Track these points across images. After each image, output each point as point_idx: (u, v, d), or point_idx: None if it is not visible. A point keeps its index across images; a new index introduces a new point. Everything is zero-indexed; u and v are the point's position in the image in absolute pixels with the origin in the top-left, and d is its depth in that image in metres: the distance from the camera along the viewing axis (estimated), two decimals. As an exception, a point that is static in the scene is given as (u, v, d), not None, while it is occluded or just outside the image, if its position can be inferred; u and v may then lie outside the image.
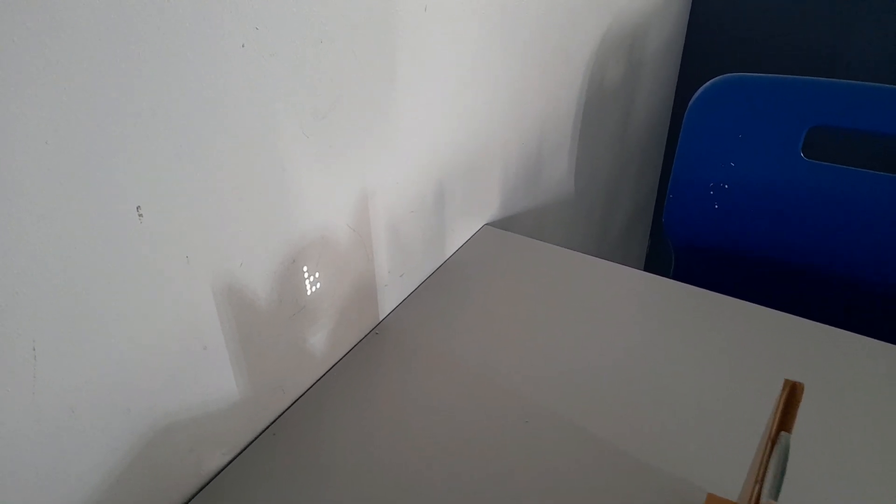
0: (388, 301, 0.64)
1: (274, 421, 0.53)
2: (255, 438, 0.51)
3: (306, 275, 0.52)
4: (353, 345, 0.60)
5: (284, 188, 0.47)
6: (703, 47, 1.46)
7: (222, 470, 0.48)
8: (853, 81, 0.73)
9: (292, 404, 0.54)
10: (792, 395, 0.33)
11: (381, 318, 0.63)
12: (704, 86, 0.80)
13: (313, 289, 0.53)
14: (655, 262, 1.72)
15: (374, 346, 0.60)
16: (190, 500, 0.46)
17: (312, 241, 0.51)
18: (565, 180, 1.02)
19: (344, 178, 0.53)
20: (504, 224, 0.83)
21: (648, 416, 0.53)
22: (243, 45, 0.40)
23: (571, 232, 1.12)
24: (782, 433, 0.32)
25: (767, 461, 0.31)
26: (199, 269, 0.42)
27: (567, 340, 0.61)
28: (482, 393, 0.55)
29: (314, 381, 0.56)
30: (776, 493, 0.29)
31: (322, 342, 0.56)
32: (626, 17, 1.08)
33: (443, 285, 0.68)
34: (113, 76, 0.33)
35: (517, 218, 0.87)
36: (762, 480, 0.31)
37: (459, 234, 0.73)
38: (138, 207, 0.37)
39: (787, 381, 0.33)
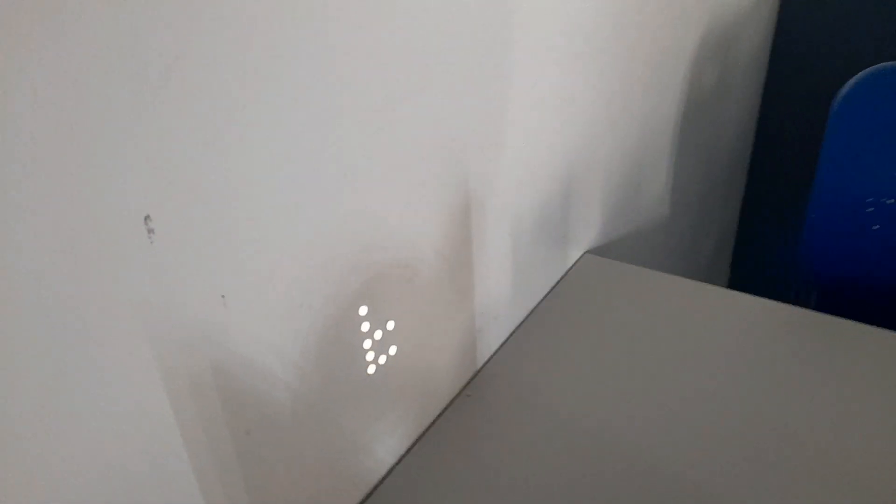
0: (481, 351, 0.49)
1: (340, 524, 0.38)
2: (316, 553, 0.36)
3: (382, 321, 0.37)
4: (439, 412, 0.45)
5: (353, 203, 0.33)
6: (791, 54, 1.31)
7: None
8: None
9: (365, 498, 0.39)
10: None
11: (472, 375, 0.48)
12: (854, 79, 0.64)
13: (392, 340, 0.38)
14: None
15: (466, 413, 0.45)
16: None
17: (391, 273, 0.37)
18: (660, 201, 0.87)
19: (432, 192, 0.39)
20: (603, 251, 0.68)
21: (803, 480, 0.36)
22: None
23: (662, 261, 0.97)
24: None
25: None
26: (240, 313, 0.28)
27: (703, 389, 0.45)
28: (600, 463, 0.40)
29: (394, 462, 0.41)
30: None
31: (400, 412, 0.41)
32: (721, 16, 0.94)
33: (544, 328, 0.53)
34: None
35: (616, 244, 0.72)
36: None
37: (559, 263, 0.59)
38: (147, 218, 0.23)
39: None
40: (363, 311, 0.35)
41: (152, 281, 0.24)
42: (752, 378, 0.47)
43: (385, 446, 0.40)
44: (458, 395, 0.47)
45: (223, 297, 0.27)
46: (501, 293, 0.50)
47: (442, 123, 0.37)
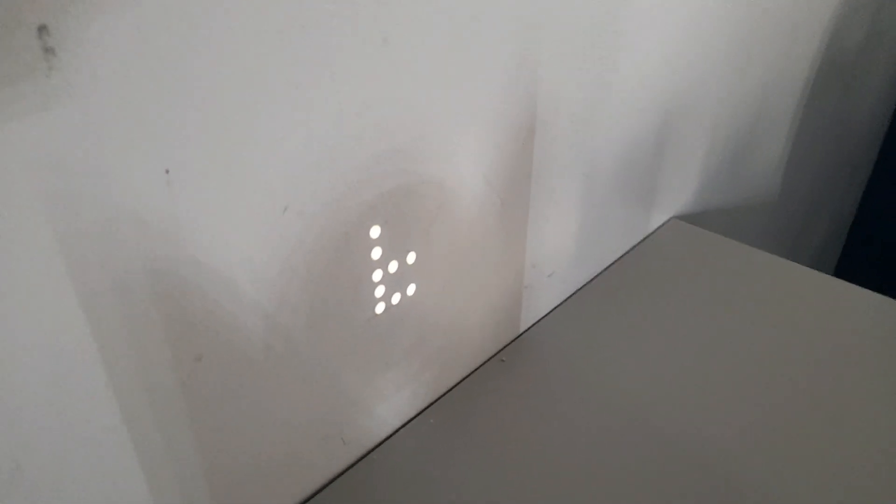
0: (527, 312, 0.41)
1: (330, 482, 0.31)
2: (285, 517, 0.30)
3: (401, 251, 0.30)
4: (465, 374, 0.38)
5: (384, 77, 0.25)
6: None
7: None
8: None
9: (359, 460, 0.33)
10: None
11: (512, 338, 0.40)
12: None
13: (411, 277, 0.31)
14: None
15: (498, 380, 0.38)
16: None
17: (418, 191, 0.29)
18: (772, 172, 0.74)
19: (489, 92, 0.30)
20: (695, 219, 0.58)
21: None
22: None
23: (762, 241, 0.84)
24: None
25: None
26: (193, 201, 0.21)
27: (792, 388, 0.35)
28: (644, 457, 0.31)
29: (399, 425, 0.34)
30: None
31: (413, 367, 0.34)
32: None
33: (609, 296, 0.44)
34: None
35: (711, 214, 0.61)
36: None
37: (639, 224, 0.49)
38: (41, 29, 0.16)
39: None
40: (375, 232, 0.28)
41: (52, 130, 0.17)
42: (849, 380, 0.37)
43: (389, 405, 0.33)
44: (491, 358, 0.39)
45: (167, 171, 0.20)
46: (561, 246, 0.41)
47: (521, 52, 0.29)
